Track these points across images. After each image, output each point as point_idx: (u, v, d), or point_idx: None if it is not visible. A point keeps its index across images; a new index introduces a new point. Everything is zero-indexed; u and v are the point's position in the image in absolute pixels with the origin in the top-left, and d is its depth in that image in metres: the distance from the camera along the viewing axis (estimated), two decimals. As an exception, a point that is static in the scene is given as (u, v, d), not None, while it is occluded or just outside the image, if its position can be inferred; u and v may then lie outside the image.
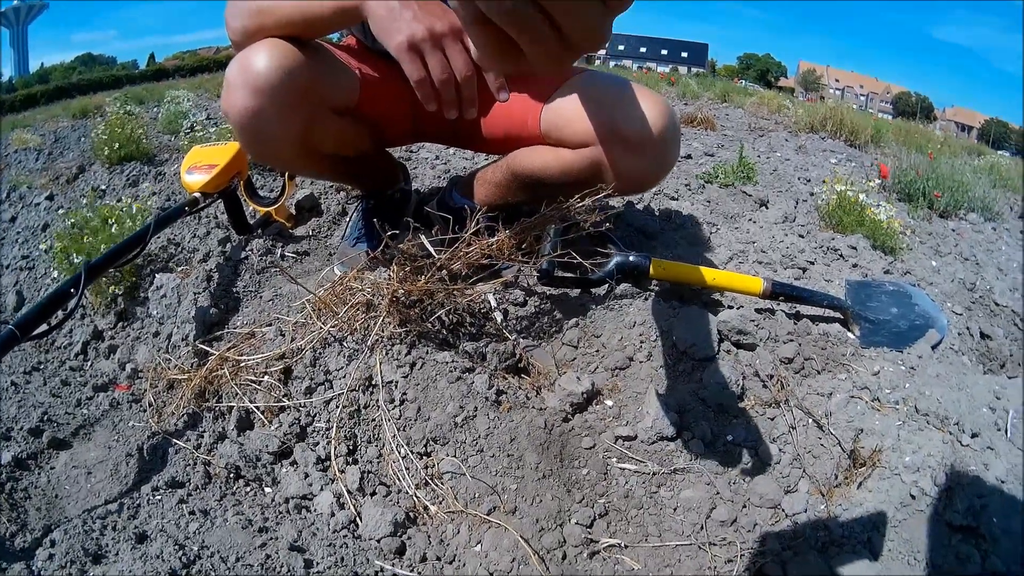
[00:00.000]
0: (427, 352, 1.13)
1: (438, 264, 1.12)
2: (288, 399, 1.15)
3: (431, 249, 1.11)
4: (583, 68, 1.37)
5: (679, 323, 1.27)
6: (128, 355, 1.50)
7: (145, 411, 1.27)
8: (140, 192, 2.70)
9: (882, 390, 1.27)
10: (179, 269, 1.61)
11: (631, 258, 1.37)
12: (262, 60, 1.09)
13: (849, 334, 1.47)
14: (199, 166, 1.62)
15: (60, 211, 2.73)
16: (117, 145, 3.11)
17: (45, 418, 1.28)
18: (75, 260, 1.63)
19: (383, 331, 1.12)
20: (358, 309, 1.14)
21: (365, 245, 1.49)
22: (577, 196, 1.19)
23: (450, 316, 1.19)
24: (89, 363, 1.54)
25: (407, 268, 1.11)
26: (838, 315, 1.51)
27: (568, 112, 1.24)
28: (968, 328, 1.75)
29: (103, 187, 2.95)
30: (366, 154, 1.46)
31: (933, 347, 1.46)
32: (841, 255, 1.85)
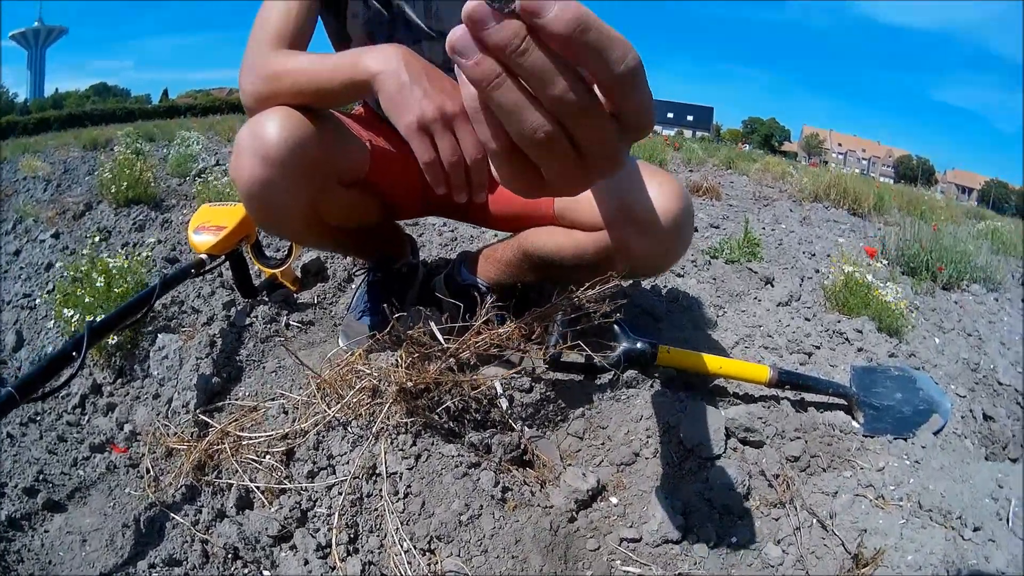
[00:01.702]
0: (433, 443, 1.11)
1: (447, 353, 1.10)
2: (289, 481, 1.13)
3: (440, 338, 1.11)
4: None
5: (686, 419, 1.26)
6: (127, 415, 1.47)
7: (143, 478, 1.25)
8: (145, 238, 2.71)
9: (886, 487, 1.27)
10: (182, 330, 1.60)
11: (638, 345, 1.37)
12: (273, 129, 1.08)
13: (853, 422, 1.46)
14: (207, 226, 1.61)
15: (64, 251, 2.73)
16: (125, 186, 3.13)
17: (41, 477, 1.26)
18: (70, 315, 1.61)
19: (389, 419, 1.10)
20: (364, 394, 1.13)
21: (369, 319, 1.48)
22: (588, 285, 1.18)
23: (456, 403, 1.17)
24: (87, 418, 1.51)
25: (415, 355, 1.10)
26: (843, 401, 1.50)
27: (583, 194, 1.25)
28: (971, 410, 1.75)
29: (109, 228, 2.96)
30: (374, 226, 1.46)
31: (935, 433, 1.46)
32: (847, 339, 1.85)
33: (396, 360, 1.13)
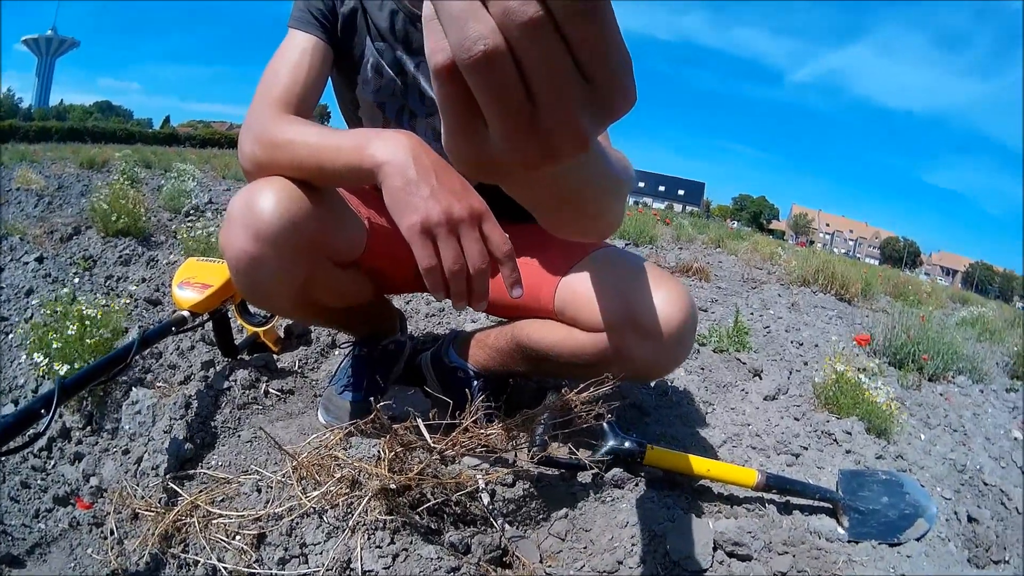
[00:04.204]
0: (412, 543, 1.06)
1: (432, 452, 1.06)
2: (259, 565, 1.07)
3: (427, 436, 1.06)
4: (604, 244, 1.35)
5: (673, 530, 1.22)
6: (93, 467, 1.41)
7: (106, 539, 1.18)
8: (129, 273, 2.66)
9: (873, 605, 1.22)
10: (157, 386, 1.55)
11: (626, 444, 1.34)
12: (268, 204, 1.04)
13: (839, 527, 1.44)
14: (192, 283, 1.56)
15: (47, 278, 2.67)
16: (115, 216, 3.09)
17: (1, 528, 1.20)
18: (39, 360, 1.55)
19: (367, 514, 1.05)
20: (342, 484, 1.08)
21: (352, 395, 1.43)
22: (583, 386, 1.15)
23: (437, 497, 1.12)
24: (53, 463, 1.45)
25: (397, 449, 1.06)
26: (828, 505, 1.48)
27: (585, 293, 1.21)
28: (956, 512, 1.73)
29: (95, 256, 2.92)
30: (364, 304, 1.42)
31: (919, 538, 1.45)
32: (835, 440, 1.83)
33: (378, 452, 1.08)
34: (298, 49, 1.20)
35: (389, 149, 0.93)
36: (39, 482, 1.38)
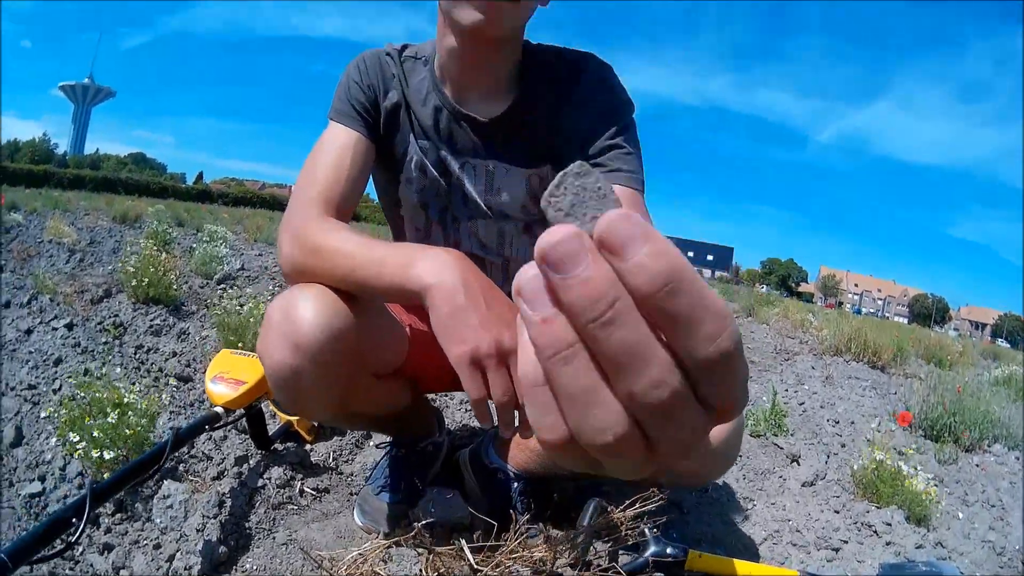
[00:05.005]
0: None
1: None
2: None
3: (471, 559, 1.03)
4: None
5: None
6: (124, 560, 1.38)
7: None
8: (160, 345, 2.67)
9: None
10: (189, 479, 1.53)
11: (668, 550, 1.30)
12: (309, 315, 1.00)
13: None
14: (226, 378, 1.54)
15: (76, 347, 2.69)
16: (146, 283, 3.12)
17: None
18: (75, 441, 1.53)
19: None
20: (382, 604, 1.05)
21: (388, 496, 1.41)
22: (629, 503, 1.12)
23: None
24: (81, 551, 1.42)
25: (440, 570, 1.03)
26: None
27: None
28: None
29: (125, 323, 2.94)
30: (402, 409, 1.39)
31: None
32: (875, 531, 1.79)
33: (420, 574, 1.06)
34: (338, 144, 1.17)
35: (436, 271, 0.89)
36: (67, 572, 1.35)
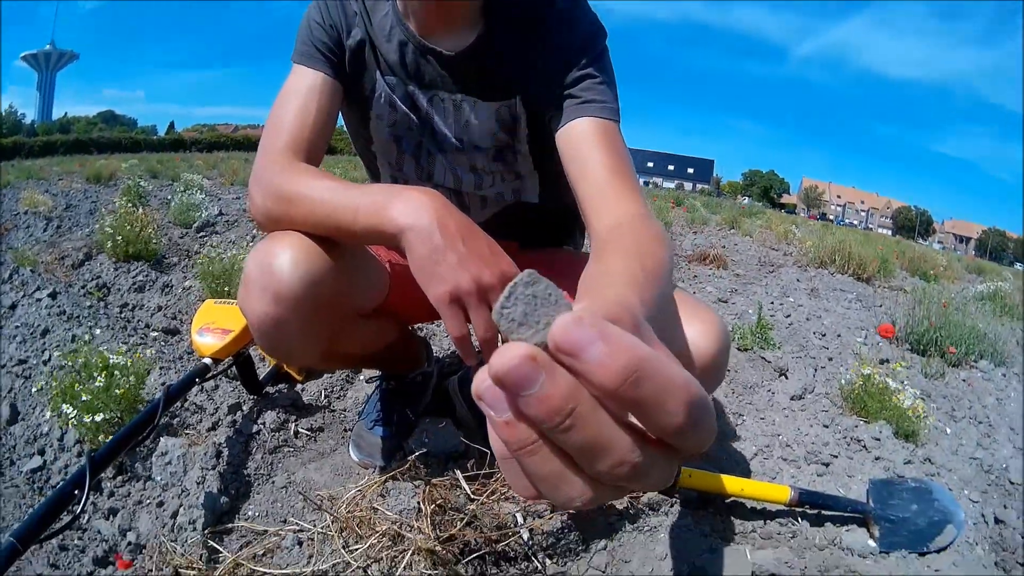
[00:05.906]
0: (455, 594, 1.06)
1: (474, 504, 1.05)
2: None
3: (467, 489, 1.05)
4: None
5: (713, 561, 1.22)
6: (129, 522, 1.40)
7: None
8: (144, 300, 2.65)
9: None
10: (185, 433, 1.54)
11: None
12: (286, 264, 0.98)
13: (870, 540, 1.45)
14: (211, 328, 1.53)
15: (62, 315, 2.66)
16: (124, 241, 3.08)
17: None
18: (69, 412, 1.53)
19: (411, 568, 1.05)
20: (385, 538, 1.07)
21: (381, 430, 1.43)
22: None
23: (477, 545, 1.12)
24: (87, 518, 1.44)
25: (438, 501, 1.05)
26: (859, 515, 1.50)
27: None
28: (983, 515, 1.73)
29: (108, 284, 2.91)
30: (389, 344, 1.39)
31: (948, 545, 1.46)
32: (864, 446, 1.83)
33: (418, 506, 1.08)
34: (304, 87, 1.13)
35: (411, 212, 0.88)
36: (76, 542, 1.36)
